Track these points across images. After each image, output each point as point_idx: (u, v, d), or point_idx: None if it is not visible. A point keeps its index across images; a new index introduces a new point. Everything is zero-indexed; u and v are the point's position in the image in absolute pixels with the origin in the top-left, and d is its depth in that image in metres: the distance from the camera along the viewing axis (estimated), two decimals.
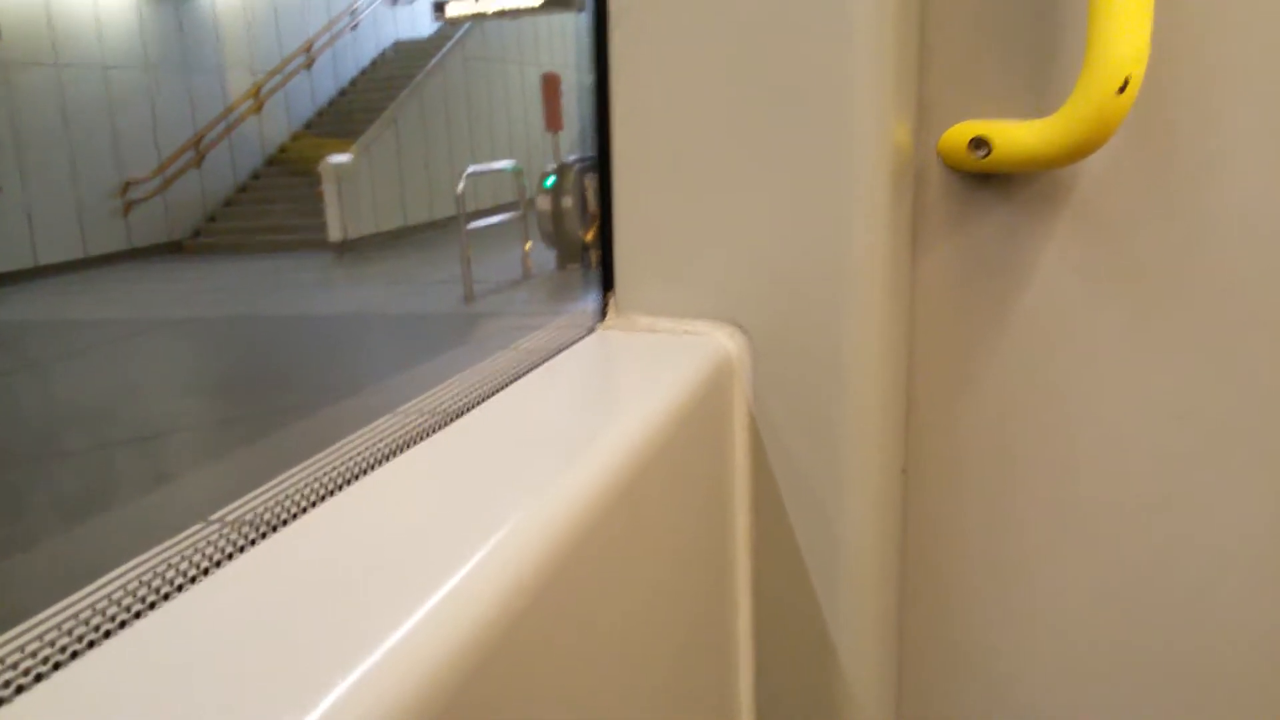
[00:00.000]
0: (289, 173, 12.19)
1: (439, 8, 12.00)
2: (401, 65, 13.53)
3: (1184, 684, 0.72)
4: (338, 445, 0.64)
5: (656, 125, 0.63)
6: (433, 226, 12.00)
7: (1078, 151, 0.61)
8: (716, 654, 0.62)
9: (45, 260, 9.64)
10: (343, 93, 13.62)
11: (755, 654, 0.67)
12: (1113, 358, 0.69)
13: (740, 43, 0.59)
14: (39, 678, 0.31)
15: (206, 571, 0.39)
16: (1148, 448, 0.69)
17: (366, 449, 0.58)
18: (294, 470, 0.60)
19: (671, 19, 0.61)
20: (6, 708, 0.27)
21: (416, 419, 0.64)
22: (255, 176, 12.36)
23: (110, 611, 0.37)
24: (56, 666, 0.32)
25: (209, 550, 0.46)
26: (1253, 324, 0.66)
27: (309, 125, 13.06)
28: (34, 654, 0.33)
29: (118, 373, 5.59)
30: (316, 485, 0.53)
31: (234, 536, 0.49)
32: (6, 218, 9.23)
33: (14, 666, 0.33)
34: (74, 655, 0.33)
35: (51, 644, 0.34)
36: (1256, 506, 0.68)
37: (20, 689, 0.31)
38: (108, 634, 0.34)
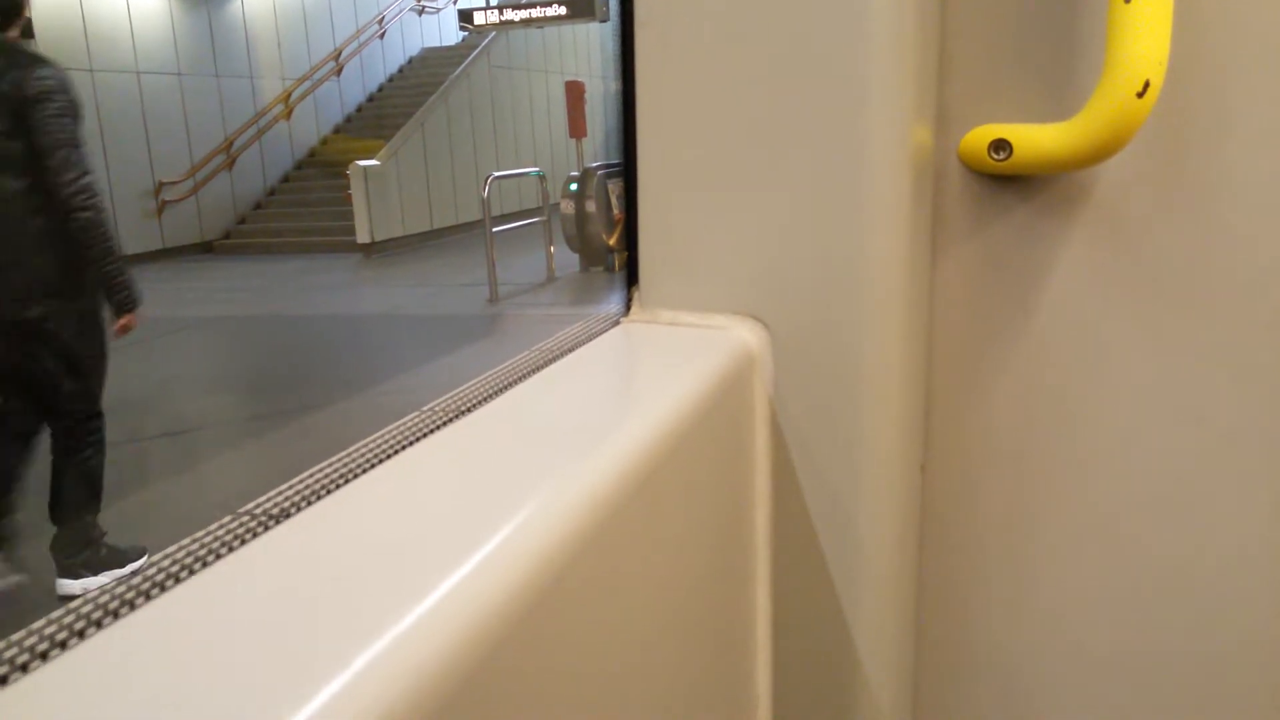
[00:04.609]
0: (318, 176, 12.34)
1: (466, 16, 12.10)
2: (429, 72, 13.65)
3: (1200, 684, 0.71)
4: (361, 444, 0.65)
5: (680, 127, 0.63)
6: (458, 230, 12.08)
7: (1097, 154, 0.61)
8: (733, 647, 0.62)
9: None
10: (371, 99, 13.77)
11: (773, 647, 0.68)
12: (1129, 358, 0.69)
13: (761, 47, 0.60)
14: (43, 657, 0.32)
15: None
16: (1164, 448, 0.69)
17: (385, 443, 0.59)
18: (316, 468, 0.61)
19: (694, 26, 0.61)
20: (37, 672, 0.28)
21: (442, 417, 0.65)
22: (285, 180, 12.52)
23: (129, 595, 0.38)
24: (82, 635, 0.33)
25: (233, 541, 0.47)
26: (1269, 326, 0.65)
27: (338, 130, 13.22)
28: (49, 636, 0.34)
29: (153, 368, 5.68)
30: (339, 479, 0.54)
31: (257, 528, 0.51)
32: None
33: (49, 637, 0.34)
34: (82, 635, 0.34)
35: (68, 627, 0.35)
36: (1272, 507, 0.68)
37: (42, 659, 0.32)
38: (123, 612, 0.35)
